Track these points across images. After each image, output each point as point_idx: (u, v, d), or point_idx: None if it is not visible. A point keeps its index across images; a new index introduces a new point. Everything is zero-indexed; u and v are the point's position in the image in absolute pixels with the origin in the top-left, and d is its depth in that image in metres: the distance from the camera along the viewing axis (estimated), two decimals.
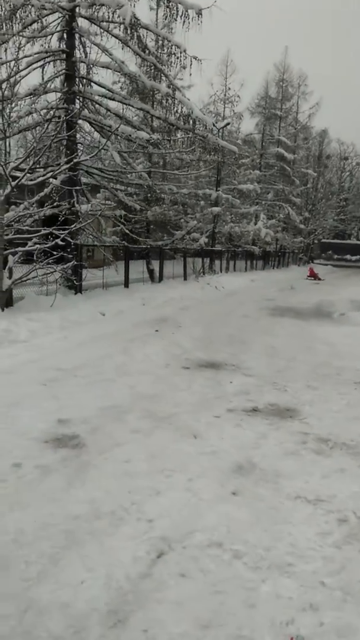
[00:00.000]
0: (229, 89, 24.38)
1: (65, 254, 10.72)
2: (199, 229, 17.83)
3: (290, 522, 3.17)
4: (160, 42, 11.49)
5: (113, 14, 10.91)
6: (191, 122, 11.86)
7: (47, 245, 9.95)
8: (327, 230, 55.65)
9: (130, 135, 12.38)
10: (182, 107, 11.80)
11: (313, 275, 27.00)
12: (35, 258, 9.93)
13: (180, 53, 11.25)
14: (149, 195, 15.84)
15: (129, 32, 11.06)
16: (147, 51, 11.65)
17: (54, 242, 10.07)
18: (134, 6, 10.96)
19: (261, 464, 3.95)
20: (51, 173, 10.83)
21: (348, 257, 53.28)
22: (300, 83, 35.85)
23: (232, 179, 24.85)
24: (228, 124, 22.40)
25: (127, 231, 14.35)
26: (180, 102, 11.66)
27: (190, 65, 11.38)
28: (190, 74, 11.20)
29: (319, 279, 26.42)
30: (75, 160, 11.23)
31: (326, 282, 26.02)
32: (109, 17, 11.10)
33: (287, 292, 18.78)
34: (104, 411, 4.88)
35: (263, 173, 27.88)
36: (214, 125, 12.65)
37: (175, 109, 11.68)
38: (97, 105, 12.56)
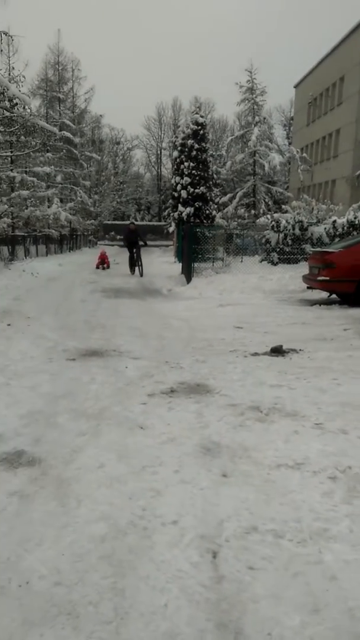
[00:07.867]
0: (13, 68, 22.79)
1: None
2: (6, 213, 16.54)
3: (294, 490, 3.26)
4: None
5: None
6: (7, 100, 10.81)
7: None
8: (109, 212, 57.13)
9: None
10: None
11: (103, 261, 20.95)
12: None
13: None
14: None
15: None
16: None
17: None
18: None
19: (222, 441, 3.94)
20: None
21: None
22: (73, 67, 35.51)
23: (24, 162, 23.50)
24: (16, 104, 21.05)
25: None
26: None
27: (0, 40, 10.29)
28: (1, 50, 10.14)
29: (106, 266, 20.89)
30: None
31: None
32: None
33: (102, 273, 18.75)
34: (28, 419, 4.28)
35: (54, 156, 26.97)
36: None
37: None
38: None
